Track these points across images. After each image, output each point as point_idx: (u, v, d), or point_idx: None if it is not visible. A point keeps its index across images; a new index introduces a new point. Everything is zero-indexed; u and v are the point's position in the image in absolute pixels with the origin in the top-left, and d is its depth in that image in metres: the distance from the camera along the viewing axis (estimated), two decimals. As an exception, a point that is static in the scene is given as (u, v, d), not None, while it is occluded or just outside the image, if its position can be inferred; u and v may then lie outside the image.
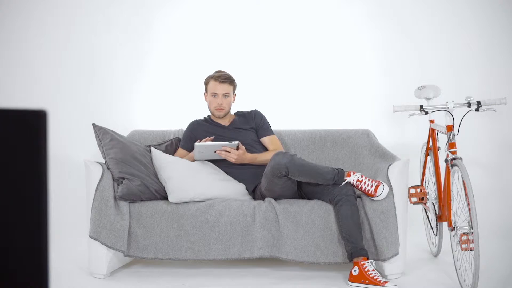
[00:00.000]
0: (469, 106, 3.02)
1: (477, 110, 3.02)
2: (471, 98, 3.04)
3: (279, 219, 2.96)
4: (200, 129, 3.44)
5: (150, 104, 4.32)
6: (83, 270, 3.15)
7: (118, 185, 3.08)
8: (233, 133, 3.38)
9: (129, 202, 3.07)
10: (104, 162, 3.17)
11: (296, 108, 4.29)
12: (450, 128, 3.02)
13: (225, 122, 3.45)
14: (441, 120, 3.18)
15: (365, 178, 2.94)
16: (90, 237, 2.97)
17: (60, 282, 2.96)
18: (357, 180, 2.94)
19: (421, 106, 3.12)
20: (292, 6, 4.33)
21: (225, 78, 3.36)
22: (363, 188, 2.93)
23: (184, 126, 3.72)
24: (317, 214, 2.98)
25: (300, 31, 4.33)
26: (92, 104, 4.25)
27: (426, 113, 3.13)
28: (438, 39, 4.27)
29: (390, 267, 2.96)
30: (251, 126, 3.44)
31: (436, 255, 3.39)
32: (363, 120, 4.09)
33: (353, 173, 2.98)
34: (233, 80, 3.42)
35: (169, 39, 4.34)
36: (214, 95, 3.37)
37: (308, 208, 3.00)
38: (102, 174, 3.06)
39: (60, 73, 4.30)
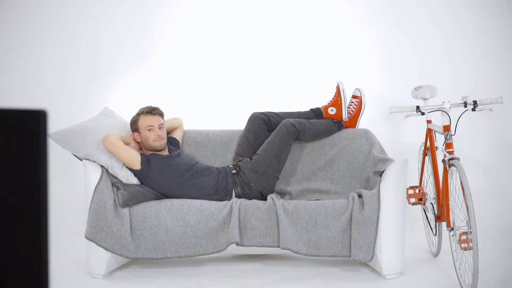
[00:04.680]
0: (465, 106, 3.02)
1: (473, 110, 3.02)
2: (467, 98, 3.05)
3: (277, 211, 3.00)
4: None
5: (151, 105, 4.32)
6: (82, 270, 3.16)
7: (117, 190, 3.08)
8: (183, 158, 3.32)
9: (130, 207, 3.07)
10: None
11: (296, 107, 4.29)
12: (447, 128, 3.02)
13: (165, 152, 3.34)
14: (438, 120, 3.18)
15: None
16: (86, 237, 2.99)
17: (59, 282, 2.96)
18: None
19: (418, 107, 3.12)
20: (291, 6, 4.33)
21: (153, 110, 3.28)
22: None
23: (184, 127, 3.73)
24: (318, 210, 3.01)
25: (299, 30, 4.34)
26: (92, 105, 4.25)
27: (423, 113, 3.13)
28: (436, 39, 4.28)
29: (388, 267, 2.97)
30: (173, 145, 3.44)
31: (436, 255, 3.40)
32: (362, 120, 4.08)
33: (330, 108, 3.54)
34: (162, 112, 3.33)
35: (169, 40, 4.35)
36: (150, 128, 3.24)
37: (309, 204, 3.04)
38: (101, 176, 3.07)
39: (61, 73, 4.30)
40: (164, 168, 3.21)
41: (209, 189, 3.23)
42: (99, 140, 3.14)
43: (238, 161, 3.39)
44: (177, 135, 3.54)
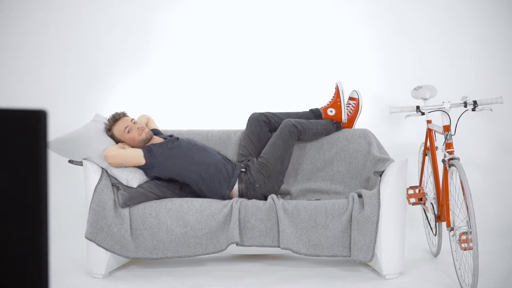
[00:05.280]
0: (465, 106, 3.03)
1: (473, 110, 3.03)
2: (467, 98, 3.05)
3: (277, 211, 3.00)
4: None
5: (150, 105, 4.32)
6: (82, 270, 3.16)
7: (117, 190, 3.09)
8: (182, 139, 3.33)
9: (130, 207, 3.07)
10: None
11: (294, 108, 4.29)
12: (447, 128, 3.02)
13: (157, 140, 3.36)
14: (438, 120, 3.18)
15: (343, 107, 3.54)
16: (86, 238, 2.99)
17: (59, 281, 2.96)
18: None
19: (418, 107, 3.12)
20: (291, 6, 4.33)
21: (115, 116, 3.30)
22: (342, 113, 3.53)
23: (183, 127, 3.73)
24: (318, 210, 3.01)
25: (298, 31, 4.34)
26: (92, 105, 4.25)
27: (423, 113, 3.14)
28: (436, 39, 4.28)
29: (388, 266, 2.98)
30: (162, 135, 3.47)
31: (436, 255, 3.40)
32: (361, 121, 4.09)
33: (329, 109, 3.56)
34: (124, 112, 3.35)
35: (169, 40, 4.35)
36: (128, 129, 3.25)
37: (309, 204, 3.04)
38: (101, 176, 3.08)
39: (61, 73, 4.30)
40: (167, 152, 3.24)
41: (216, 169, 3.24)
42: (96, 144, 3.15)
43: (248, 161, 3.39)
44: (155, 126, 3.58)
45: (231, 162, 3.36)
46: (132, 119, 3.32)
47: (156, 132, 3.51)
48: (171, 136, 3.42)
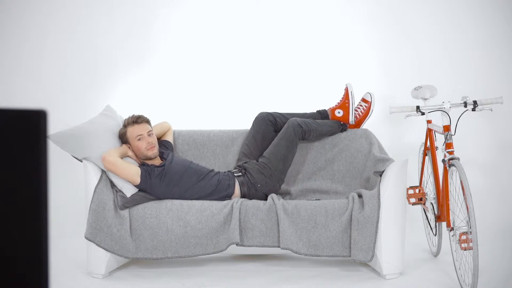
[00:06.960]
0: (465, 106, 3.03)
1: (473, 110, 3.03)
2: (467, 98, 3.05)
3: (277, 211, 3.00)
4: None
5: (150, 106, 4.32)
6: (82, 270, 3.16)
7: (116, 192, 3.08)
8: (176, 162, 3.25)
9: (129, 209, 3.07)
10: None
11: (295, 108, 4.29)
12: (447, 128, 3.03)
13: (158, 161, 3.29)
14: (438, 120, 3.18)
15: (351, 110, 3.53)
16: (86, 238, 2.99)
17: (59, 282, 2.96)
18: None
19: (418, 107, 3.13)
20: (291, 6, 4.33)
21: (138, 118, 3.25)
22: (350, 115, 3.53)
23: (183, 127, 3.73)
24: (318, 210, 3.01)
25: (298, 30, 4.33)
26: (92, 104, 4.25)
27: (423, 113, 3.14)
28: (436, 39, 4.28)
29: (388, 267, 2.98)
30: (167, 148, 3.42)
31: (436, 255, 3.40)
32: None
33: (337, 109, 3.55)
34: (148, 119, 3.31)
35: (170, 40, 4.34)
36: (140, 138, 3.21)
37: (309, 204, 3.04)
38: (101, 176, 3.08)
39: (61, 73, 4.30)
40: (163, 178, 3.17)
41: (212, 190, 3.22)
42: (98, 144, 3.14)
43: (244, 163, 3.38)
44: (169, 138, 3.52)
45: (225, 172, 3.33)
46: (150, 131, 3.26)
47: (168, 145, 3.46)
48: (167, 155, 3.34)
